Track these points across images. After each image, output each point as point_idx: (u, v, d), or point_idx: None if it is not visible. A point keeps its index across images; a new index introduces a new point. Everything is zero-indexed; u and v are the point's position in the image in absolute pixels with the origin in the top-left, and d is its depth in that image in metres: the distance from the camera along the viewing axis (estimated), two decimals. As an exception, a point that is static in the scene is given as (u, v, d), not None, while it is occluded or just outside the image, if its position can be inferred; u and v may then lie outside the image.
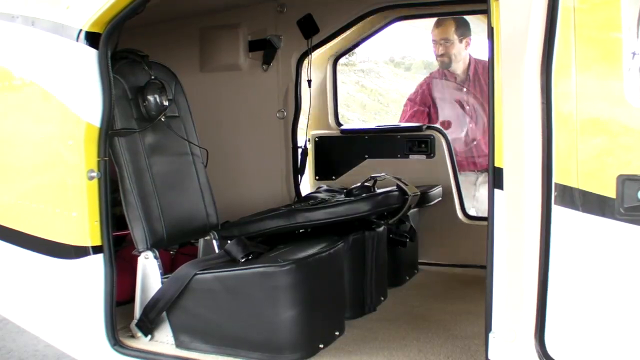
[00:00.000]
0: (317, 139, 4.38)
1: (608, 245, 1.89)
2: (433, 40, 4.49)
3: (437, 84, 4.57)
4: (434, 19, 4.51)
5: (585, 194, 1.88)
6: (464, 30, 4.45)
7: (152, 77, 2.94)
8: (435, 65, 4.77)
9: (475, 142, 4.46)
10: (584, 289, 1.94)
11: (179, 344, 2.75)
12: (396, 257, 3.57)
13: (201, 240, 3.08)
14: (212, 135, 3.46)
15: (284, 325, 2.63)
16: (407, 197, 3.32)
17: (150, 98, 2.88)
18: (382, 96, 31.77)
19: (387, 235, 3.44)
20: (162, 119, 2.96)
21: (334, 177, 4.32)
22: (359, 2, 4.00)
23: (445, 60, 4.48)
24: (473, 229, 4.03)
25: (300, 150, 4.25)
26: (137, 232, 2.81)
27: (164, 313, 2.76)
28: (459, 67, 4.50)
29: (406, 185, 3.38)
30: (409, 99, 4.68)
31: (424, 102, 4.57)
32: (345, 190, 3.52)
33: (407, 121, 4.55)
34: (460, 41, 4.46)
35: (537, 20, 1.90)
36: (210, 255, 2.94)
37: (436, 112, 4.54)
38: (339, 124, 4.51)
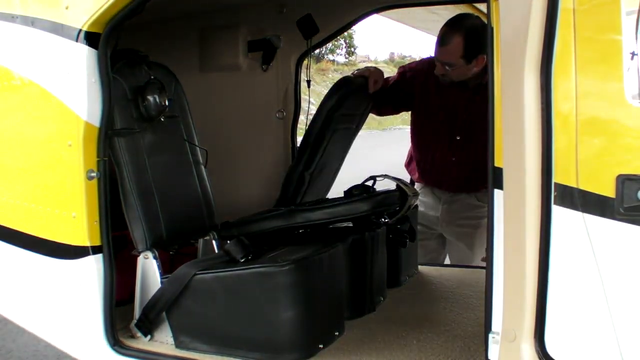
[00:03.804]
0: None
1: (608, 245, 1.89)
2: (435, 58, 3.57)
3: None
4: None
5: (584, 194, 1.87)
6: (475, 49, 3.41)
7: (152, 77, 2.94)
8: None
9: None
10: (583, 289, 1.94)
11: (178, 344, 2.75)
12: (396, 257, 3.57)
13: (201, 241, 3.08)
14: (211, 135, 3.46)
15: (283, 325, 2.64)
16: (407, 197, 3.32)
17: (150, 98, 2.88)
18: (382, 96, 31.76)
19: (387, 236, 3.44)
20: (162, 119, 2.96)
21: None
22: (359, 2, 4.00)
23: (446, 80, 3.61)
24: None
25: None
26: (137, 232, 2.82)
27: (164, 313, 2.76)
28: (470, 82, 3.61)
29: (406, 186, 3.38)
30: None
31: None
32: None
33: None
34: (469, 62, 3.46)
35: (536, 20, 1.90)
36: (209, 256, 2.94)
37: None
38: None
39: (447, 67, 3.51)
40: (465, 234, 3.92)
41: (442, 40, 3.49)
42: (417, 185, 3.97)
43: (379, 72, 3.77)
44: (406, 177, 3.93)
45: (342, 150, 3.90)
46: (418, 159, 3.95)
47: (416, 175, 3.99)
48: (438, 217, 3.94)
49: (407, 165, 4.09)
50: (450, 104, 3.68)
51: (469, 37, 3.41)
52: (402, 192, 3.31)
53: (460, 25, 3.46)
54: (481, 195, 3.76)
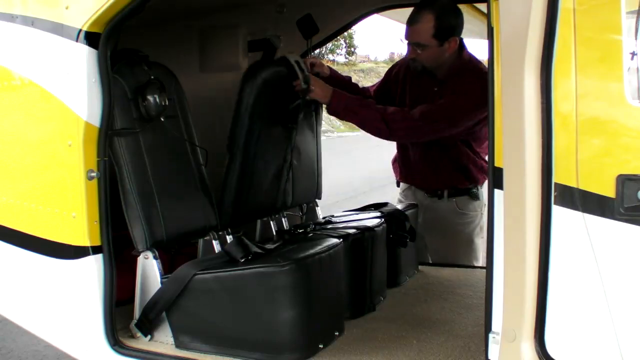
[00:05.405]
0: None
1: (608, 245, 1.89)
2: (406, 41, 3.39)
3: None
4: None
5: (585, 194, 1.88)
6: (448, 29, 3.30)
7: (152, 77, 2.94)
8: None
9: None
10: (583, 289, 1.94)
11: (178, 344, 2.75)
12: (396, 257, 3.57)
13: (201, 241, 3.08)
14: (211, 135, 3.46)
15: (283, 326, 2.64)
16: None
17: (150, 98, 2.87)
18: (382, 96, 31.80)
19: (387, 236, 3.44)
20: (162, 119, 2.96)
21: None
22: (359, 2, 4.00)
23: (417, 67, 3.45)
24: None
25: None
26: (137, 232, 2.81)
27: (164, 313, 2.76)
28: (439, 71, 3.46)
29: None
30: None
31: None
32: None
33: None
34: (441, 43, 3.32)
35: (536, 20, 1.90)
36: (209, 256, 2.95)
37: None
38: None
39: (418, 50, 3.34)
40: (446, 243, 3.87)
41: (413, 19, 3.32)
42: (401, 185, 3.95)
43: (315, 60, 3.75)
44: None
45: (311, 132, 3.88)
46: (396, 155, 3.91)
47: (397, 174, 3.96)
48: (420, 223, 3.86)
49: (393, 162, 4.02)
50: (419, 95, 3.51)
51: (441, 15, 3.27)
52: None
53: (432, 3, 3.32)
54: (461, 202, 3.73)
